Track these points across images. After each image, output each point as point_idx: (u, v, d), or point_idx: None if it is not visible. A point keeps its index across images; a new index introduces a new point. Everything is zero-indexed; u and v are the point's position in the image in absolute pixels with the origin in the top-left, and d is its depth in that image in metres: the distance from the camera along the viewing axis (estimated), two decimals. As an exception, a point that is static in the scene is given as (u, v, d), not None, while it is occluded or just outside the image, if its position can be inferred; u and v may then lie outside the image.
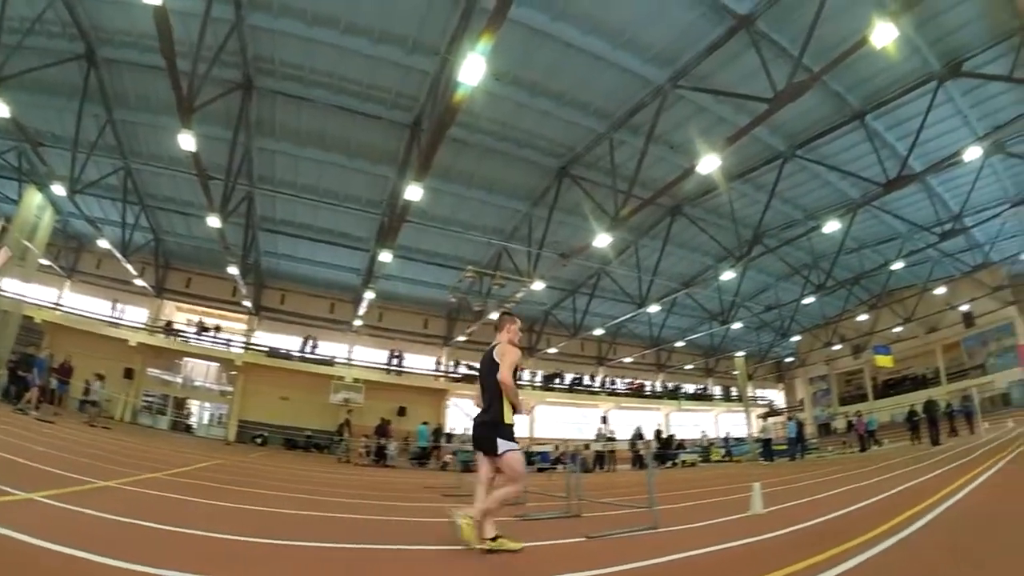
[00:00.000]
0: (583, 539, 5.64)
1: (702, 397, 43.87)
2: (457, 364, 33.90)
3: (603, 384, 39.03)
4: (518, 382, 5.16)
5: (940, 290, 32.76)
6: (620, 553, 4.88)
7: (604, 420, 31.18)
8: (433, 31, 14.22)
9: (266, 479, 11.32)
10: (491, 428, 4.98)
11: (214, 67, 14.10)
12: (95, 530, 4.52)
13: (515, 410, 5.00)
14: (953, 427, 23.80)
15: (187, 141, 13.77)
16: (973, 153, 16.93)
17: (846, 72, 15.50)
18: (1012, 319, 33.93)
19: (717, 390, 45.54)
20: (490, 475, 5.11)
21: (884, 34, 11.12)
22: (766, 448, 26.52)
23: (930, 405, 22.83)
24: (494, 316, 26.47)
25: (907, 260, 26.49)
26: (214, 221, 18.02)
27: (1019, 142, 19.60)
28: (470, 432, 5.59)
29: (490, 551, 4.71)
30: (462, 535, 4.74)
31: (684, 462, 28.30)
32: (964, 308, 35.01)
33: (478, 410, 5.24)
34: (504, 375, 4.90)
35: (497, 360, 5.03)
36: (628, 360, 38.92)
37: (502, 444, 4.90)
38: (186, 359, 27.89)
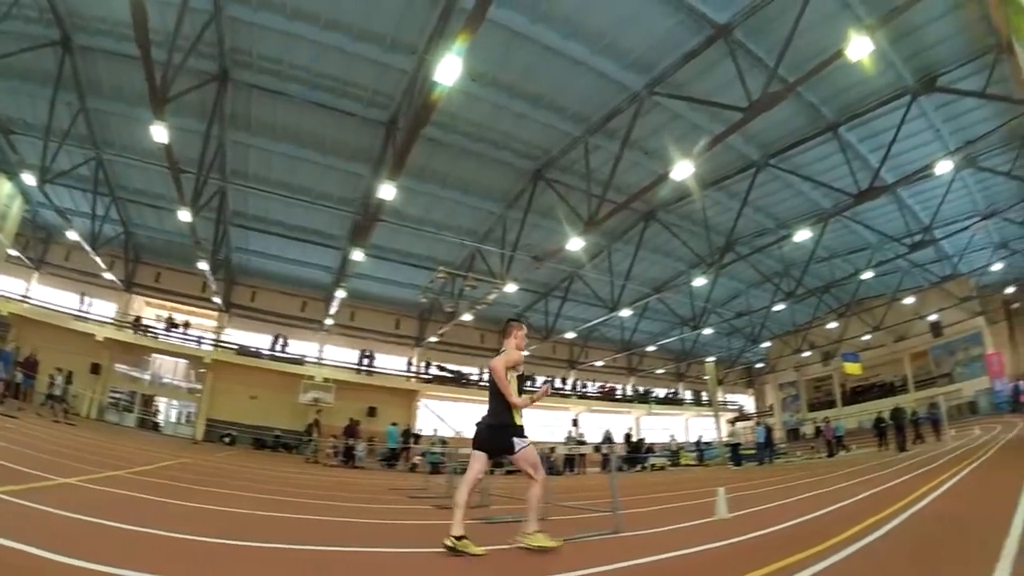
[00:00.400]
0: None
1: (673, 401, 44.14)
2: (428, 365, 33.75)
3: (574, 387, 39.07)
4: (525, 390, 5.51)
5: (909, 300, 33.34)
6: (581, 558, 4.86)
7: (575, 423, 31.25)
8: (412, 30, 14.14)
9: (230, 479, 11.18)
10: (504, 430, 5.21)
11: (190, 58, 13.88)
12: (52, 527, 4.48)
13: (514, 405, 5.22)
14: (919, 434, 24.13)
15: (159, 132, 13.51)
16: (944, 167, 17.30)
17: (821, 84, 15.76)
18: (980, 329, 34.70)
19: (688, 394, 45.80)
20: (479, 476, 5.29)
21: (860, 48, 11.28)
22: (734, 453, 26.76)
23: (897, 412, 23.14)
24: (467, 317, 26.50)
25: (877, 270, 26.97)
26: (185, 215, 17.74)
27: (990, 157, 19.97)
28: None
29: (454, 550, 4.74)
30: (467, 550, 4.73)
31: (653, 466, 28.47)
32: (932, 318, 35.73)
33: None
34: (495, 364, 5.28)
35: (493, 377, 5.30)
36: (599, 363, 38.98)
37: (518, 442, 5.15)
38: (154, 355, 27.39)
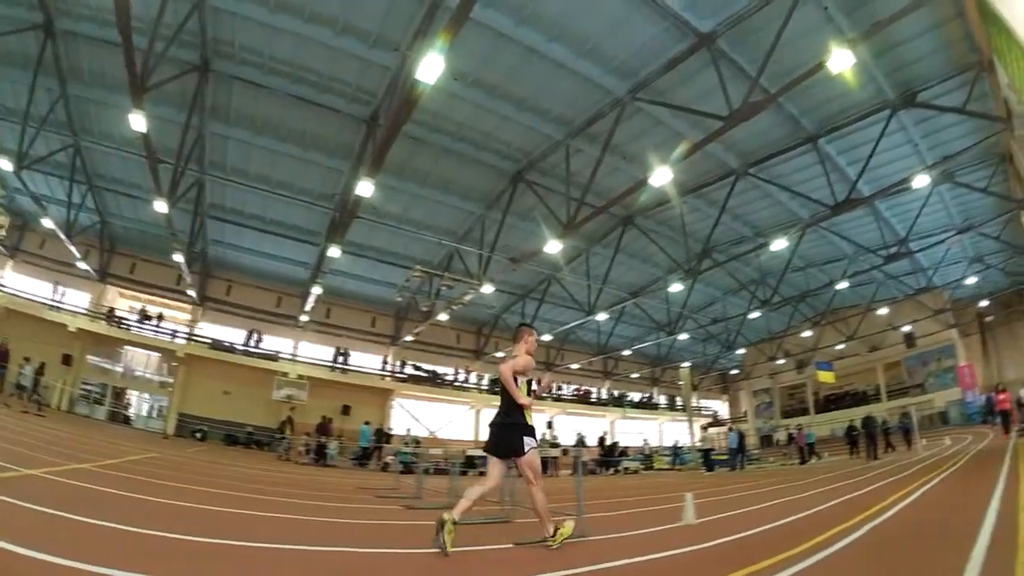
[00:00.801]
0: (510, 545, 5.60)
1: (647, 406, 44.37)
2: (403, 364, 33.61)
3: (550, 389, 38.94)
4: (541, 396, 6.08)
5: (883, 311, 33.82)
6: (545, 561, 4.84)
7: (549, 425, 31.26)
8: (396, 27, 14.06)
9: (197, 475, 11.07)
10: (515, 429, 5.41)
11: (172, 47, 13.76)
12: (10, 518, 4.46)
13: (523, 406, 5.47)
14: (889, 443, 24.42)
15: (138, 121, 13.32)
16: (921, 181, 17.54)
17: (803, 96, 15.97)
18: (953, 341, 35.27)
19: (662, 399, 46.11)
20: (499, 481, 5.64)
21: (841, 61, 11.41)
22: (706, 458, 26.92)
23: (868, 421, 23.36)
24: (443, 317, 26.42)
25: (852, 280, 27.27)
26: (161, 206, 17.46)
27: (967, 172, 20.28)
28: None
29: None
30: (446, 537, 4.78)
31: (627, 469, 28.57)
32: (906, 329, 36.19)
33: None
34: (503, 369, 5.49)
35: (504, 381, 5.49)
36: (575, 366, 39.08)
37: (528, 442, 5.38)
38: (127, 348, 27.01)
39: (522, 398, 5.46)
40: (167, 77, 14.28)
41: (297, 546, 4.95)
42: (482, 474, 18.76)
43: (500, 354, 34.82)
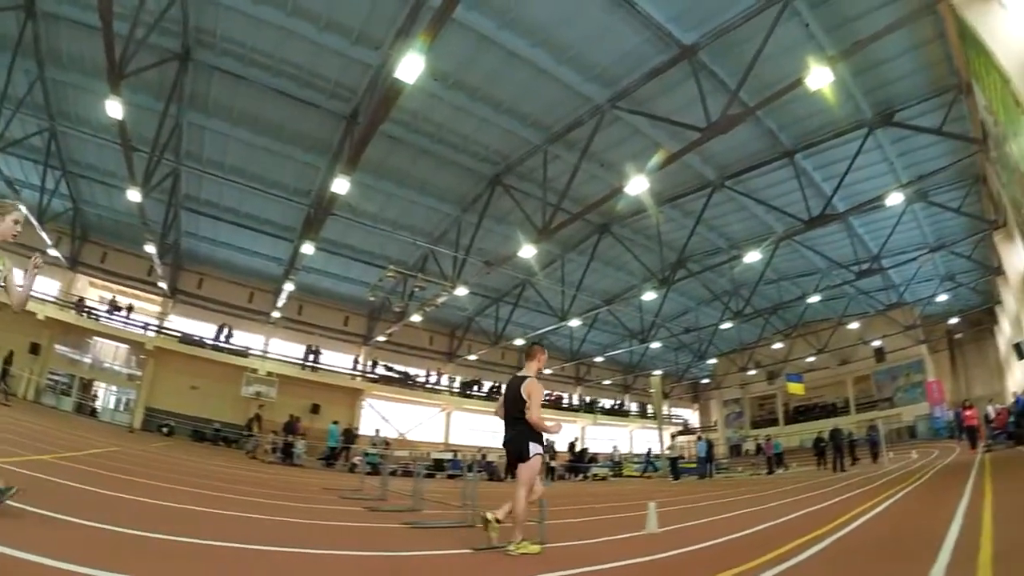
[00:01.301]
0: (469, 551, 5.54)
1: (618, 412, 44.53)
2: (375, 364, 33.34)
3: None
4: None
5: (854, 325, 34.29)
6: (502, 568, 4.85)
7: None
8: (380, 24, 13.96)
9: (158, 470, 10.91)
10: (523, 436, 5.63)
11: (153, 33, 13.57)
12: None
13: (544, 433, 5.74)
14: (853, 455, 24.70)
15: (114, 108, 13.17)
16: (895, 199, 17.90)
17: (781, 111, 16.14)
18: (922, 357, 35.89)
19: (634, 406, 46.27)
20: (541, 487, 5.94)
21: (820, 78, 11.59)
22: (673, 466, 27.08)
23: (835, 433, 23.59)
24: (416, 318, 26.25)
25: (824, 294, 27.67)
26: (135, 195, 17.25)
27: (941, 192, 20.56)
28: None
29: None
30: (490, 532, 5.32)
31: (596, 475, 28.63)
32: (876, 343, 36.75)
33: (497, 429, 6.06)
34: (533, 417, 5.58)
35: (525, 397, 5.61)
36: (547, 372, 38.82)
37: (533, 447, 5.61)
38: (96, 338, 26.53)
39: (537, 419, 5.62)
40: (147, 64, 14.11)
41: (252, 545, 4.88)
42: (451, 477, 18.88)
43: (472, 357, 34.85)
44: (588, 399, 42.83)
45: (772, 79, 13.41)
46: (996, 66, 9.58)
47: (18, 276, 4.12)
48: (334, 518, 7.57)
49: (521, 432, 5.65)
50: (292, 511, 7.87)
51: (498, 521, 5.34)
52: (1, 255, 3.91)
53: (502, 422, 5.93)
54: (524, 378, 5.79)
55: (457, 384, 35.82)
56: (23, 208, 4.11)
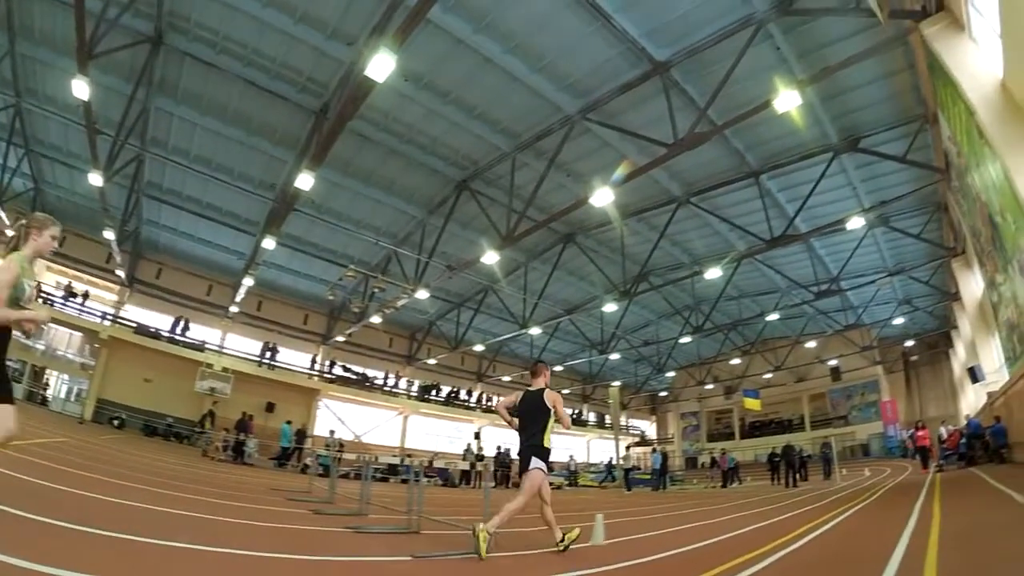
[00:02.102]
0: (409, 558, 5.46)
1: (576, 422, 44.31)
2: (333, 364, 32.89)
3: (480, 400, 38.93)
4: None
5: (811, 344, 34.94)
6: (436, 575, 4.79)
7: (477, 436, 31.18)
8: (355, 21, 13.86)
9: (104, 463, 10.66)
10: (532, 450, 6.11)
11: (126, 14, 13.41)
12: None
13: (546, 432, 6.24)
14: (805, 472, 25.04)
15: (80, 87, 12.89)
16: (857, 223, 18.25)
17: (749, 132, 16.40)
18: (877, 377, 36.67)
19: (591, 416, 46.40)
20: (549, 490, 6.27)
21: (788, 101, 11.80)
22: (626, 477, 27.22)
23: (788, 449, 23.91)
24: (376, 320, 25.98)
25: (783, 313, 28.11)
26: (96, 179, 16.89)
27: (902, 218, 21.02)
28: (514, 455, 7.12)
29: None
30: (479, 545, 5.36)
31: (550, 484, 28.48)
32: (833, 362, 37.47)
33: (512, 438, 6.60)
34: (566, 423, 6.62)
35: (549, 405, 6.21)
36: (507, 379, 38.94)
37: (535, 461, 6.07)
38: (50, 324, 25.74)
39: (568, 421, 6.52)
40: (118, 46, 13.84)
41: (185, 544, 4.74)
42: (404, 481, 18.71)
43: (432, 361, 34.70)
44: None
45: (742, 100, 13.66)
46: (962, 97, 9.84)
47: None
48: (277, 520, 7.43)
49: (532, 446, 6.11)
50: (234, 511, 7.69)
51: (488, 533, 5.44)
52: (30, 269, 3.85)
53: (517, 433, 6.43)
54: (541, 390, 6.33)
55: (415, 388, 35.53)
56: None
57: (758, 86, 13.43)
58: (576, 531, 6.19)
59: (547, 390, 6.35)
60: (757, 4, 12.49)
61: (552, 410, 6.22)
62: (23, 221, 4.01)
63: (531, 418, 6.26)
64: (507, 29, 13.74)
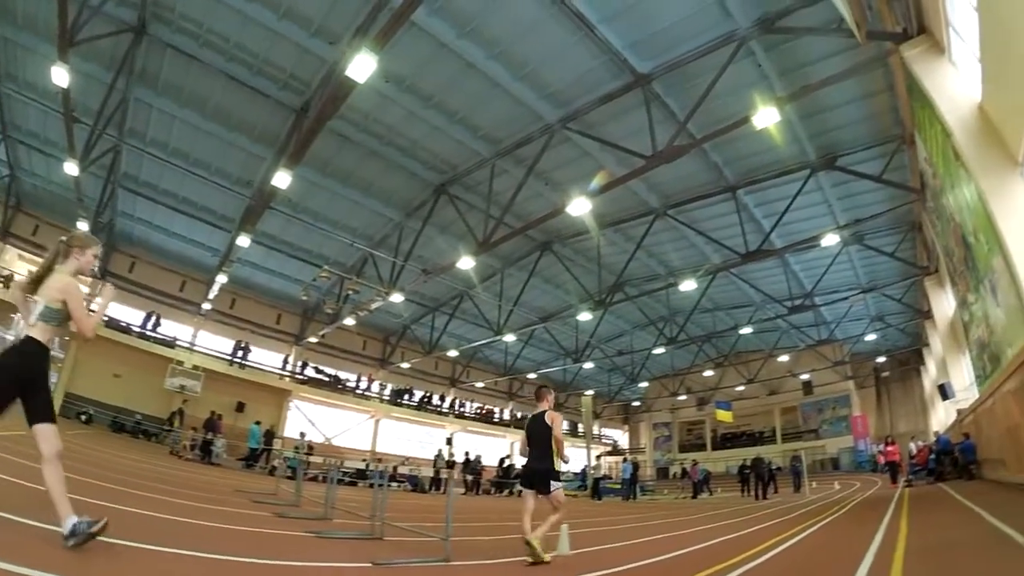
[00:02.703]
0: (369, 565, 5.40)
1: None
2: (305, 365, 32.49)
3: (452, 406, 38.71)
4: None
5: (784, 357, 35.28)
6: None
7: (449, 442, 31.04)
8: (339, 19, 13.76)
9: (66, 460, 10.33)
10: (547, 474, 6.60)
11: (109, 2, 13.28)
12: None
13: (558, 452, 6.73)
14: (775, 485, 25.20)
15: (59, 75, 12.70)
16: (831, 240, 18.48)
17: (728, 147, 16.57)
18: (849, 392, 37.08)
19: (565, 425, 45.97)
20: (533, 506, 6.58)
21: (768, 117, 11.93)
22: (595, 486, 27.25)
23: (757, 461, 24.09)
24: (349, 322, 25.98)
25: (757, 326, 28.37)
26: (72, 168, 16.62)
27: (876, 237, 21.31)
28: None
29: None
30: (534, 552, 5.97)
31: (520, 492, 28.32)
32: (805, 376, 37.81)
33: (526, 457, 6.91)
34: (558, 435, 6.70)
35: (549, 424, 6.68)
36: (480, 385, 38.90)
37: (554, 485, 6.62)
38: (18, 315, 25.13)
39: (560, 435, 6.70)
40: (100, 34, 13.70)
41: (139, 544, 4.68)
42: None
43: (405, 365, 34.56)
44: (519, 415, 42.63)
45: (722, 114, 13.81)
46: (939, 119, 10.01)
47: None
48: (239, 522, 7.34)
49: (547, 470, 6.60)
50: (196, 512, 7.54)
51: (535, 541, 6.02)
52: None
53: (526, 455, 6.90)
54: (543, 412, 6.79)
55: (388, 391, 35.26)
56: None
57: (738, 101, 13.55)
58: (547, 557, 6.21)
59: (548, 411, 6.79)
60: (740, 21, 12.59)
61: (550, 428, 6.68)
62: (64, 239, 4.23)
63: (538, 440, 6.74)
64: (491, 35, 13.74)
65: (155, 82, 17.29)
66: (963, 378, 20.76)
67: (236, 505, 9.20)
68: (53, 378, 24.22)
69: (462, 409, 39.11)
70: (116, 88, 16.19)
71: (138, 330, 27.01)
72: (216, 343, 29.72)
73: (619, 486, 28.07)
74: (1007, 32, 7.36)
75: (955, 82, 9.82)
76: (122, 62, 15.49)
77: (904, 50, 10.48)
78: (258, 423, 24.17)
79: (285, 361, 31.73)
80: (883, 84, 14.27)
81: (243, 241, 19.71)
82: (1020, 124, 8.10)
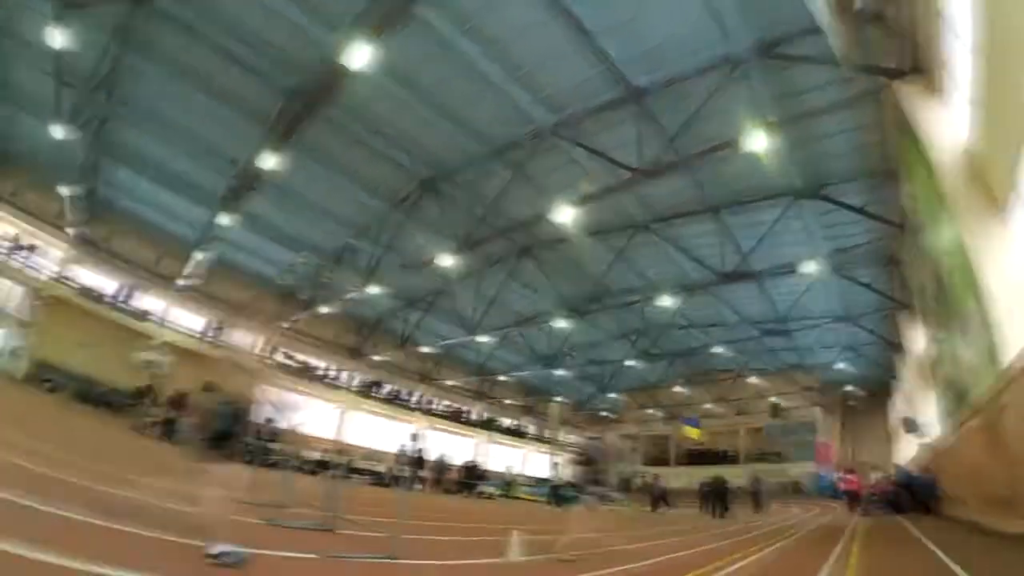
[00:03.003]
0: (316, 556, 5.41)
1: (516, 433, 44.44)
2: (275, 350, 31.64)
3: (420, 401, 38.55)
4: None
5: (754, 379, 35.51)
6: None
7: (414, 437, 30.95)
8: (340, 4, 13.53)
9: (24, 426, 10.27)
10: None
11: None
12: None
13: None
14: (726, 505, 25.26)
15: (54, 36, 12.81)
16: (809, 267, 18.56)
17: (715, 167, 16.56)
18: (815, 418, 37.30)
19: (532, 429, 46.23)
20: None
21: (756, 142, 12.04)
22: (555, 493, 27.27)
23: (717, 480, 24.29)
24: (325, 310, 26.23)
25: (729, 347, 28.59)
26: (58, 131, 16.54)
27: (855, 268, 21.45)
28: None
29: None
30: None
31: (482, 493, 28.38)
32: (773, 399, 38.09)
33: None
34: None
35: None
36: (451, 383, 38.89)
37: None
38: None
39: None
40: (101, -1, 13.46)
41: (81, 517, 4.76)
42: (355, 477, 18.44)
43: (377, 357, 34.38)
44: (487, 416, 42.76)
45: (712, 135, 13.86)
46: (925, 158, 10.10)
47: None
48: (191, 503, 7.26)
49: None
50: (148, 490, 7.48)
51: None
52: None
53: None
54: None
55: (357, 382, 35.06)
56: None
57: (729, 123, 13.59)
58: None
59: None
60: (738, 44, 12.72)
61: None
62: None
63: None
64: (490, 35, 13.80)
65: (150, 51, 16.98)
66: (929, 413, 21.00)
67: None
68: (21, 342, 23.97)
69: (430, 406, 38.93)
70: (110, 53, 16.02)
71: (111, 301, 26.59)
72: (189, 320, 29.41)
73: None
74: (1002, 79, 7.42)
75: (945, 123, 9.87)
76: (119, 29, 15.33)
77: (897, 87, 10.60)
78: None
79: (255, 344, 31.00)
80: (873, 118, 14.35)
81: (225, 220, 19.57)
82: (1007, 170, 8.16)
